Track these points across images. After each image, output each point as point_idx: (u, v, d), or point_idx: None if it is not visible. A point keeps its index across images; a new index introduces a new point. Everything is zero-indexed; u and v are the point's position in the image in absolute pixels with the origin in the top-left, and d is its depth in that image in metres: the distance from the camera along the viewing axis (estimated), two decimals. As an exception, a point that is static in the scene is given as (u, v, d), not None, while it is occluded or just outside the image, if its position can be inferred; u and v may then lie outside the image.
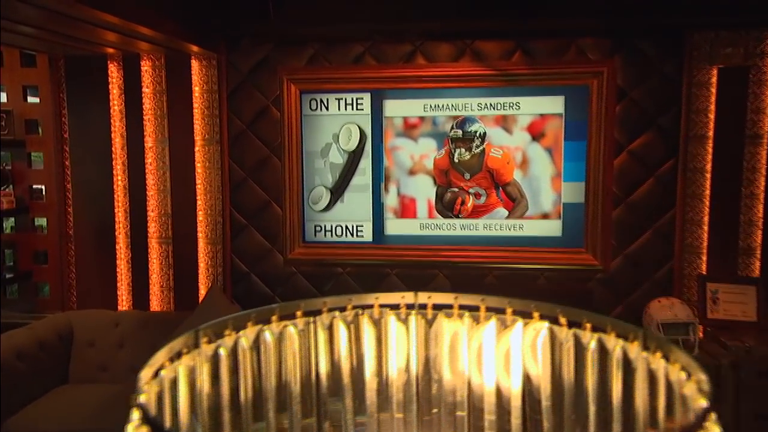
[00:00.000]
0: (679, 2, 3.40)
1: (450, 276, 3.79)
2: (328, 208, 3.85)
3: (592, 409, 0.98)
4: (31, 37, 3.32)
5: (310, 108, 3.81)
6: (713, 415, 0.74)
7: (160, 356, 0.89)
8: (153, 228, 3.90)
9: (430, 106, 3.70)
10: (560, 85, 3.58)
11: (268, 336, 1.05)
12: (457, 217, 3.75)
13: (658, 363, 0.88)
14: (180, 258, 3.92)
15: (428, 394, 1.10)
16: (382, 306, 1.10)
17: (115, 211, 3.89)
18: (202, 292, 3.88)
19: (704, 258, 3.59)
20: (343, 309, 1.10)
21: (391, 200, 3.81)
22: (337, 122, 3.80)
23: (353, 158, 3.80)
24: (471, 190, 3.73)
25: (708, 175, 3.55)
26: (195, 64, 3.81)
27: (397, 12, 3.57)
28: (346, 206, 3.84)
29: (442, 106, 3.69)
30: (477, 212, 3.74)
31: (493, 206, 3.72)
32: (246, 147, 3.89)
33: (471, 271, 3.76)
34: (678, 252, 3.63)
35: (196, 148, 3.85)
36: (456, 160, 3.70)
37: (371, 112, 3.76)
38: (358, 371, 1.10)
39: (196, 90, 3.82)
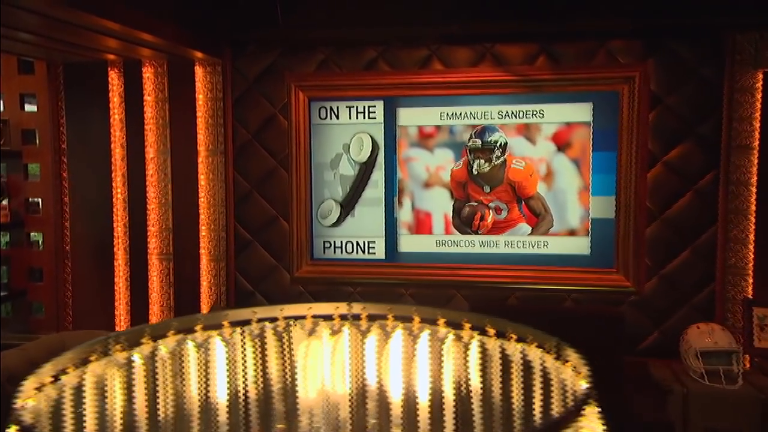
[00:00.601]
0: (719, 0, 3.28)
1: (469, 297, 3.72)
2: (337, 223, 3.81)
3: (517, 422, 1.00)
4: (29, 44, 3.34)
5: (320, 116, 3.79)
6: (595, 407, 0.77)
7: (61, 361, 0.85)
8: (153, 244, 3.87)
9: (447, 115, 3.65)
10: (588, 91, 3.50)
11: (191, 345, 1.01)
12: (476, 233, 3.68)
13: (567, 372, 0.92)
14: (181, 276, 3.89)
15: (363, 409, 1.11)
16: (315, 317, 1.12)
17: (114, 225, 3.90)
18: (204, 311, 3.81)
19: (750, 280, 3.46)
20: (274, 319, 1.10)
21: (405, 215, 3.75)
22: (347, 132, 3.76)
23: (365, 170, 3.76)
24: (491, 205, 3.65)
25: (753, 189, 3.43)
26: (199, 71, 3.80)
27: (412, 14, 3.54)
28: (357, 221, 3.79)
29: (460, 114, 3.64)
30: (497, 228, 3.66)
31: (515, 222, 3.64)
32: (252, 158, 3.88)
33: (491, 292, 3.68)
34: (720, 273, 3.50)
35: (200, 159, 3.85)
36: (475, 172, 3.64)
37: (384, 121, 3.72)
38: (290, 385, 1.10)
39: (200, 98, 3.82)
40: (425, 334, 1.04)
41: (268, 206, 3.88)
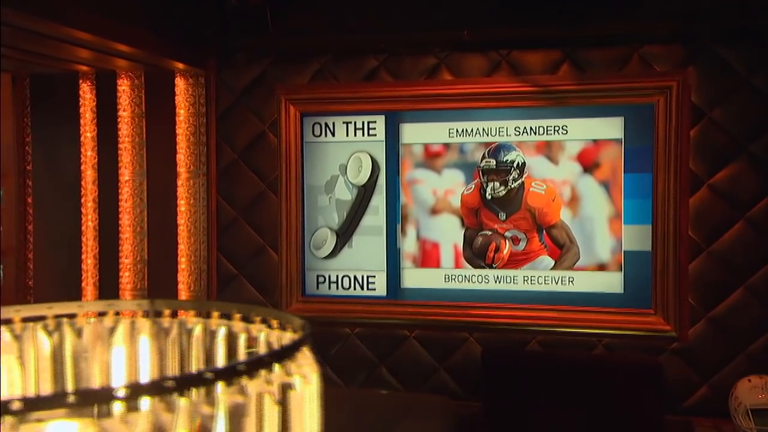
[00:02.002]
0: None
1: (483, 340, 3.64)
2: (333, 254, 3.79)
3: None
4: (-8, 55, 3.38)
5: (313, 134, 3.78)
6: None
7: None
8: (126, 278, 3.86)
9: (457, 131, 3.62)
10: (619, 104, 3.44)
11: None
12: (491, 266, 3.62)
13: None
14: (157, 313, 3.84)
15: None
16: (117, 314, 1.16)
17: (83, 257, 3.90)
18: (181, 355, 3.77)
19: (816, 325, 3.32)
20: (42, 318, 1.11)
21: (409, 245, 3.71)
22: (344, 150, 3.75)
23: (364, 194, 3.74)
24: (507, 234, 3.60)
25: (817, 217, 3.30)
26: (180, 83, 3.83)
27: (417, 19, 3.54)
28: (354, 252, 3.76)
29: (472, 130, 3.60)
30: (515, 261, 3.60)
31: (536, 254, 3.57)
32: (238, 180, 3.88)
33: (509, 335, 3.60)
34: (780, 316, 3.37)
35: (179, 182, 3.84)
36: (489, 197, 3.59)
37: (386, 139, 3.71)
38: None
39: (181, 113, 3.83)
40: (222, 330, 1.12)
41: (255, 235, 3.87)
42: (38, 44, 3.20)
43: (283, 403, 0.84)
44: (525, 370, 3.45)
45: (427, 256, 3.69)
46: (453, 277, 3.66)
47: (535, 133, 3.53)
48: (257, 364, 0.81)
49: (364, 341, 3.74)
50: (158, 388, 0.71)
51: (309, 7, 3.66)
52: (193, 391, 0.73)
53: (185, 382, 0.74)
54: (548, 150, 3.53)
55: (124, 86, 3.81)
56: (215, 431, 0.76)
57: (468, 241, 3.65)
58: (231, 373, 0.78)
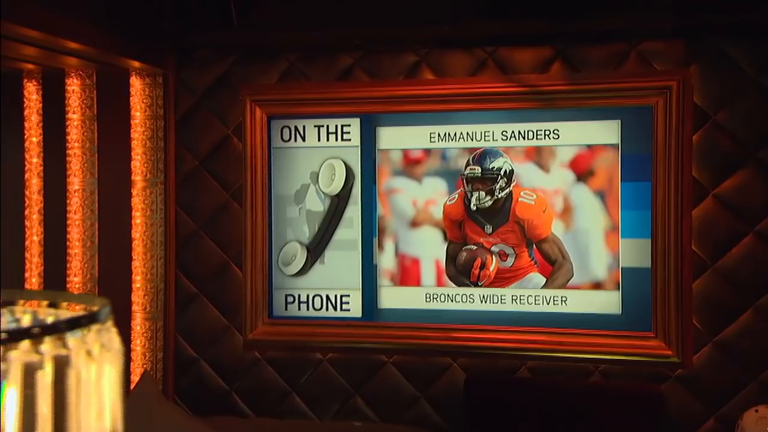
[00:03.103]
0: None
1: (467, 366, 3.60)
2: (303, 271, 3.76)
3: None
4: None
5: (282, 138, 3.76)
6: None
7: None
8: (75, 297, 3.77)
9: (439, 135, 3.61)
10: (615, 106, 3.43)
11: None
12: (476, 285, 3.60)
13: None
14: (108, 337, 3.77)
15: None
16: None
17: (27, 275, 3.84)
18: (133, 384, 3.71)
19: (833, 349, 3.31)
20: None
21: (386, 261, 3.69)
22: (316, 157, 3.74)
23: (337, 204, 3.72)
24: (494, 249, 3.58)
25: (834, 230, 3.31)
26: (135, 83, 3.80)
27: (396, 12, 3.52)
28: (327, 269, 3.74)
29: (455, 135, 3.59)
30: (503, 279, 3.58)
31: (525, 271, 3.56)
32: (199, 190, 3.85)
33: (497, 361, 3.57)
34: (794, 340, 3.35)
35: (134, 192, 3.80)
36: (473, 208, 3.57)
37: (361, 144, 3.70)
38: None
39: (137, 116, 3.79)
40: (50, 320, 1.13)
41: (218, 250, 3.83)
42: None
43: (61, 383, 0.85)
44: (513, 399, 3.42)
45: (407, 273, 3.67)
46: (435, 296, 3.64)
47: (523, 138, 3.52)
48: (22, 333, 0.83)
49: (337, 368, 3.71)
50: None
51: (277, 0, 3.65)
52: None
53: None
54: (538, 156, 3.52)
55: (73, 86, 3.78)
56: None
57: (451, 257, 3.63)
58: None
